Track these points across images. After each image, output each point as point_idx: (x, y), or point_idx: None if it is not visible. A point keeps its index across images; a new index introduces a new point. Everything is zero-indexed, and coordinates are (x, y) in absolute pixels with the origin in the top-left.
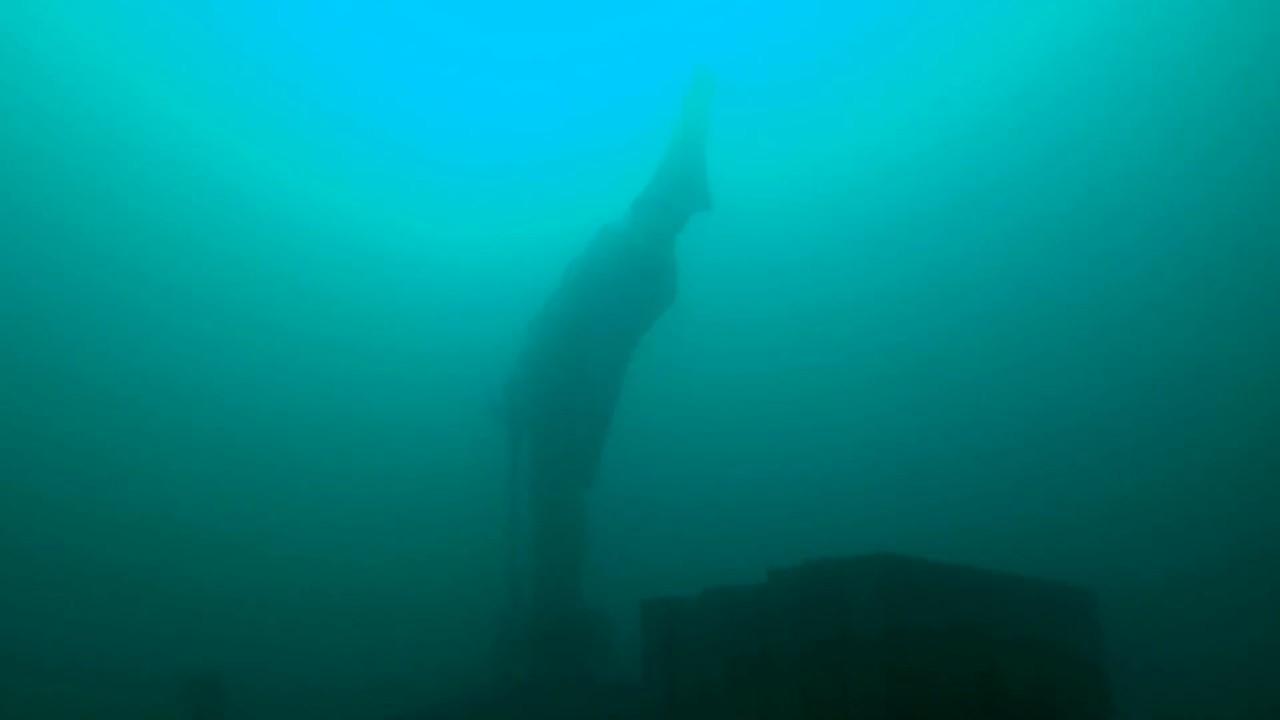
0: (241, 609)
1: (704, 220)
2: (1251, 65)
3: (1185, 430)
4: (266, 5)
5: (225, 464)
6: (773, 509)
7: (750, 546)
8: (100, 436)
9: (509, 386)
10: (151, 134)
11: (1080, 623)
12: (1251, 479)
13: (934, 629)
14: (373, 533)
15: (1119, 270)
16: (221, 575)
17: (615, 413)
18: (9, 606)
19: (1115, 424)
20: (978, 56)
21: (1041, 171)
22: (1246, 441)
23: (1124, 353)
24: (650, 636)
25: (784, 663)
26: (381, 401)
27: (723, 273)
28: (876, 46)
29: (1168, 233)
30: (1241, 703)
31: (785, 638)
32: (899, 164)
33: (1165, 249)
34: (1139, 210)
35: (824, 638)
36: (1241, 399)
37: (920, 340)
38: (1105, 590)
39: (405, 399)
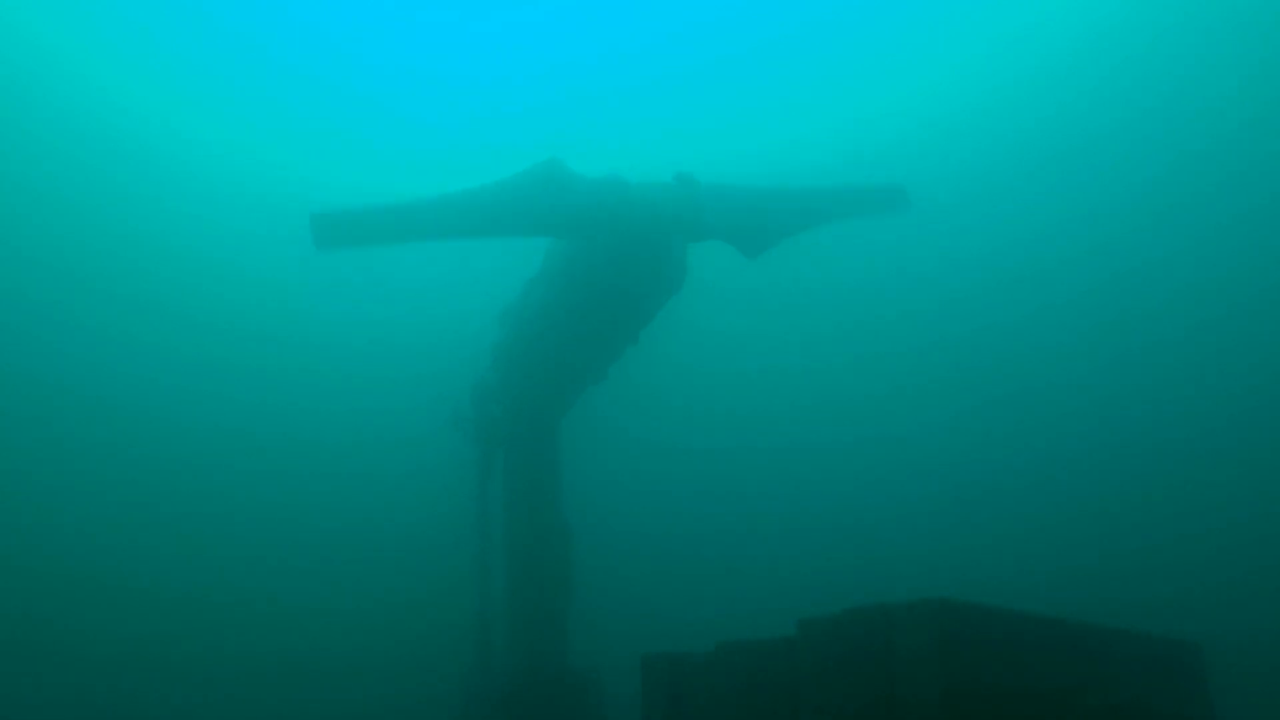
0: (155, 666)
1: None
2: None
3: None
4: None
5: (129, 485)
6: (799, 542)
7: (771, 589)
8: None
9: (478, 393)
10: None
11: (1185, 684)
12: None
13: (1001, 692)
14: (312, 574)
15: (1234, 260)
16: (130, 625)
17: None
18: None
19: (1224, 444)
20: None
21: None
22: None
23: (1236, 355)
24: (652, 701)
25: None
26: (324, 411)
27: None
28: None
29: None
30: None
31: (819, 703)
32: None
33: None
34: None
35: (867, 703)
36: None
37: (977, 339)
38: (1214, 645)
39: (352, 408)
